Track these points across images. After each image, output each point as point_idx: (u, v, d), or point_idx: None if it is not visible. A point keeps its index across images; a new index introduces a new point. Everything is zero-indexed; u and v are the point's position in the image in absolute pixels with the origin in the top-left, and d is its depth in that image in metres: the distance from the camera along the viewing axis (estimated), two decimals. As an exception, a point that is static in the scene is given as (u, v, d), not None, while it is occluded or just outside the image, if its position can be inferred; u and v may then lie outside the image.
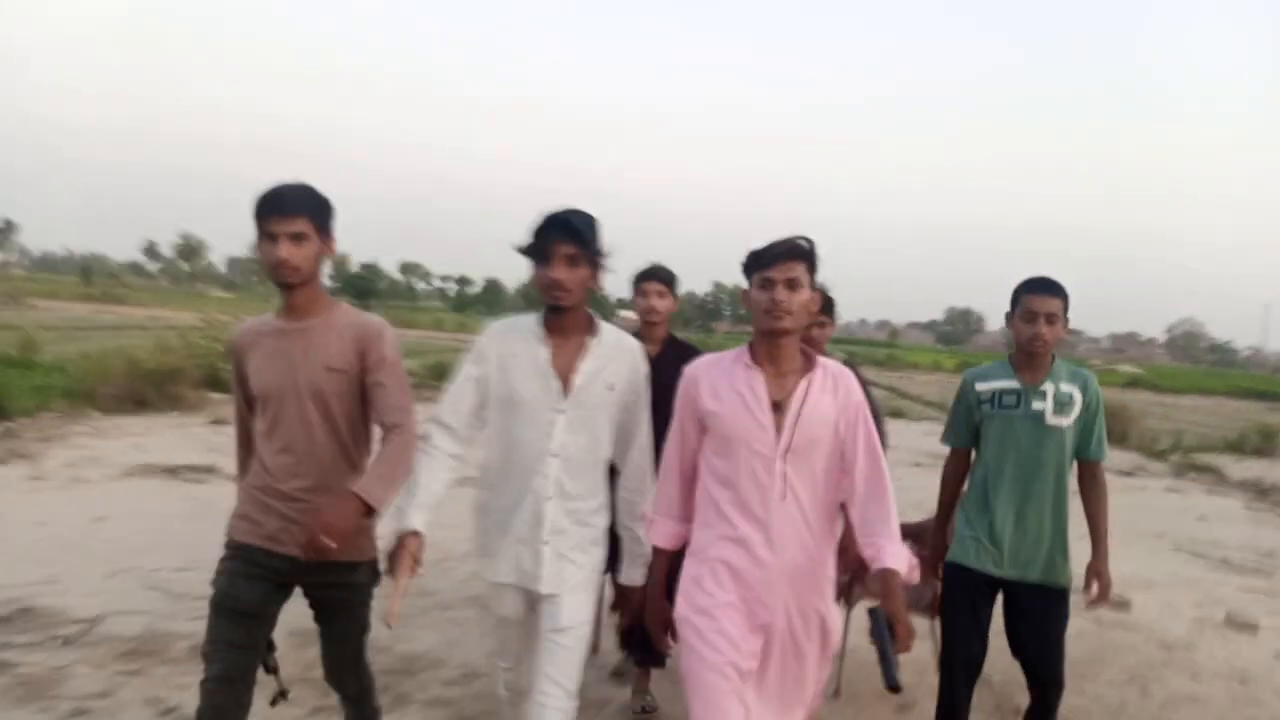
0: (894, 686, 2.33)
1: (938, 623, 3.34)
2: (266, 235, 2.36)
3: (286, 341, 2.44)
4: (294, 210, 2.36)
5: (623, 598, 2.70)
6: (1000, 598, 3.06)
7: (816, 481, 2.36)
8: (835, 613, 2.49)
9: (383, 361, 2.46)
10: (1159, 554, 7.58)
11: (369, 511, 2.25)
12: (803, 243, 2.34)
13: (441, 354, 19.16)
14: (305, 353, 2.42)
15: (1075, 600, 3.04)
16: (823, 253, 2.37)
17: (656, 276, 3.77)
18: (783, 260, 2.29)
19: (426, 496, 2.43)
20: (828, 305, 3.55)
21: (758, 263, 2.35)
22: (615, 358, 2.51)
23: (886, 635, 2.32)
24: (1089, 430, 3.04)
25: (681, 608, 2.39)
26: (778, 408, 2.33)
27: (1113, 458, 13.07)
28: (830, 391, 2.37)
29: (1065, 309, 3.02)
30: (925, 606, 3.70)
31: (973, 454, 3.18)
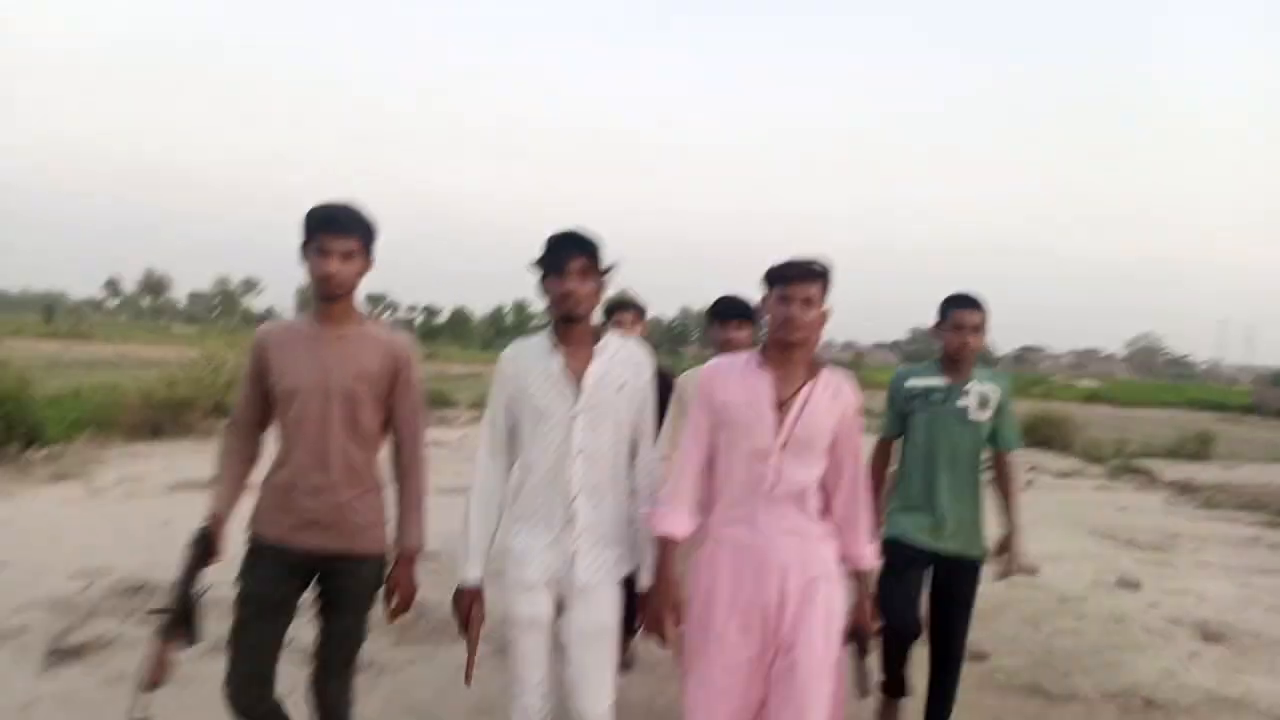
0: (866, 691, 2.59)
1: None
2: (318, 250, 2.49)
3: (321, 346, 2.55)
4: (347, 230, 2.50)
5: (642, 602, 2.61)
6: (929, 570, 3.44)
7: (807, 475, 2.56)
8: (838, 594, 2.59)
9: (410, 381, 2.65)
10: (1075, 536, 8.72)
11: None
12: (818, 266, 2.55)
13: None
14: (339, 359, 2.54)
15: (987, 571, 3.56)
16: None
17: (626, 307, 4.11)
18: (800, 280, 2.51)
19: (480, 544, 2.61)
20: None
21: (778, 278, 2.56)
22: (621, 360, 2.65)
23: (861, 637, 2.58)
24: (1003, 424, 3.46)
25: (687, 590, 2.60)
26: (782, 406, 2.54)
27: (1053, 462, 14.69)
28: (831, 396, 2.57)
29: (985, 320, 3.41)
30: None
31: (894, 444, 3.62)
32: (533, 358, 2.63)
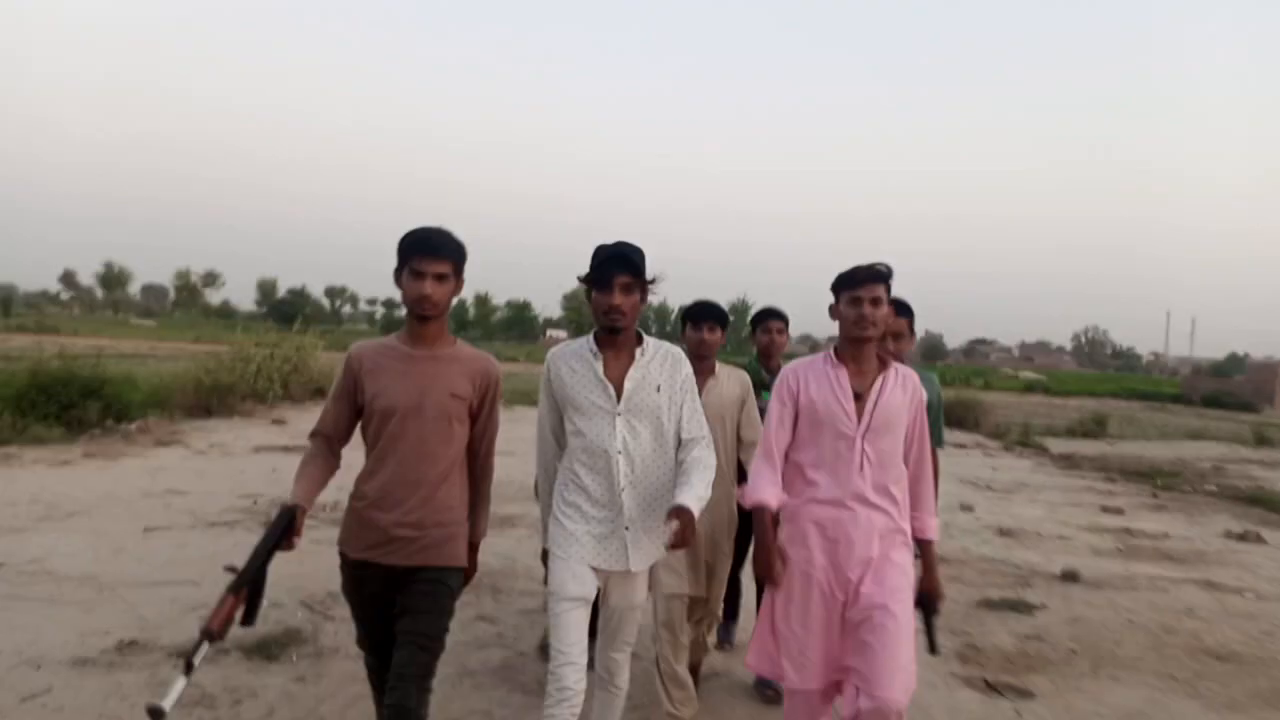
0: (936, 649, 2.72)
1: None
2: (414, 272, 2.57)
3: (416, 366, 2.65)
4: (442, 254, 2.58)
5: (673, 514, 2.59)
6: None
7: (889, 457, 2.77)
8: (908, 562, 2.81)
9: (495, 398, 2.80)
10: (944, 482, 11.38)
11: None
12: (883, 268, 2.76)
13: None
14: (434, 378, 2.64)
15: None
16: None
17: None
18: (869, 283, 2.73)
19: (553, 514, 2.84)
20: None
21: (847, 283, 2.77)
22: (658, 364, 2.79)
23: (928, 603, 2.76)
24: (930, 422, 3.52)
25: (786, 576, 2.81)
26: (859, 398, 2.76)
27: (958, 438, 17.52)
28: (901, 388, 2.81)
29: (909, 321, 3.65)
30: None
31: None
32: (577, 360, 2.80)
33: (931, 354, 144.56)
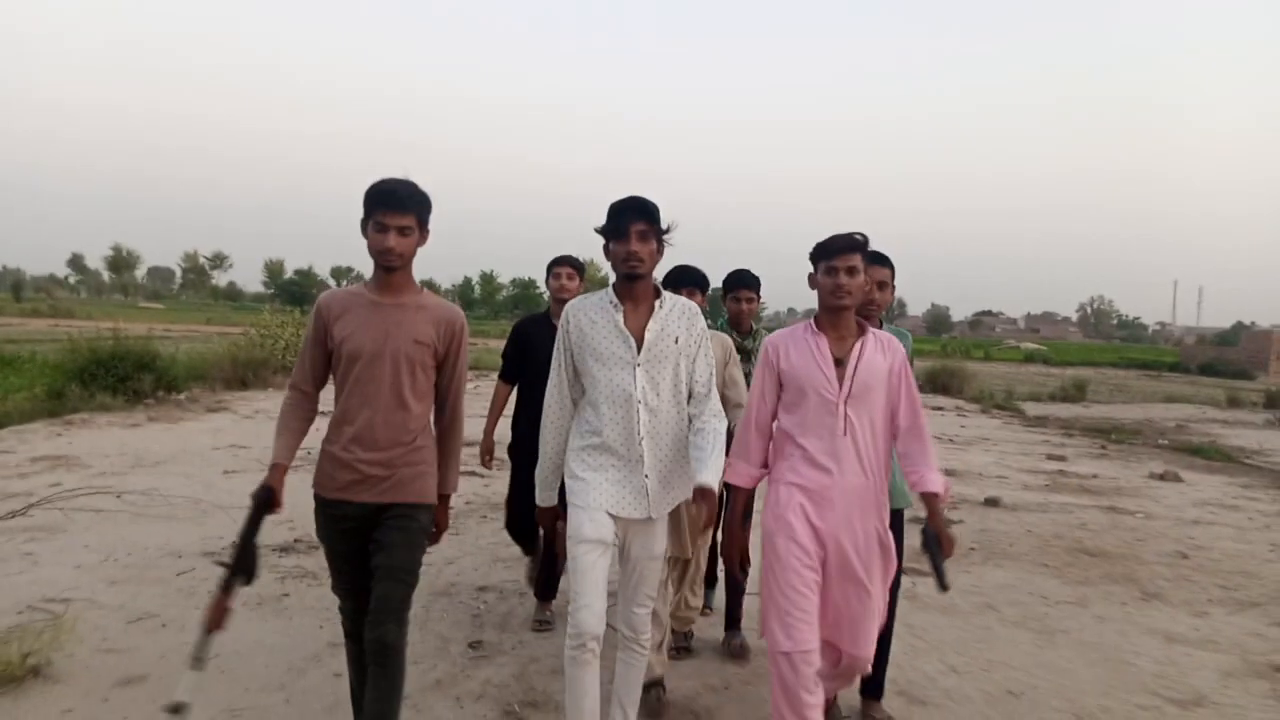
0: (945, 587, 2.76)
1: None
2: (378, 225, 2.66)
3: (382, 313, 2.74)
4: (405, 207, 2.66)
5: (698, 496, 2.69)
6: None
7: (872, 421, 2.85)
8: (889, 534, 2.89)
9: (461, 347, 2.86)
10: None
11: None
12: (859, 237, 2.84)
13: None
14: (399, 325, 2.73)
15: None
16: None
17: (568, 263, 4.48)
18: (845, 252, 2.81)
19: (553, 473, 2.94)
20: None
21: (824, 253, 2.84)
22: (676, 316, 2.86)
23: (936, 548, 2.78)
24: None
25: (768, 523, 2.88)
26: (839, 364, 2.84)
27: (939, 401, 18.90)
28: (881, 351, 2.89)
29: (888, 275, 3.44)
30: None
31: None
32: (597, 311, 2.83)
33: (937, 326, 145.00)
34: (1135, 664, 4.28)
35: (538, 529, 4.03)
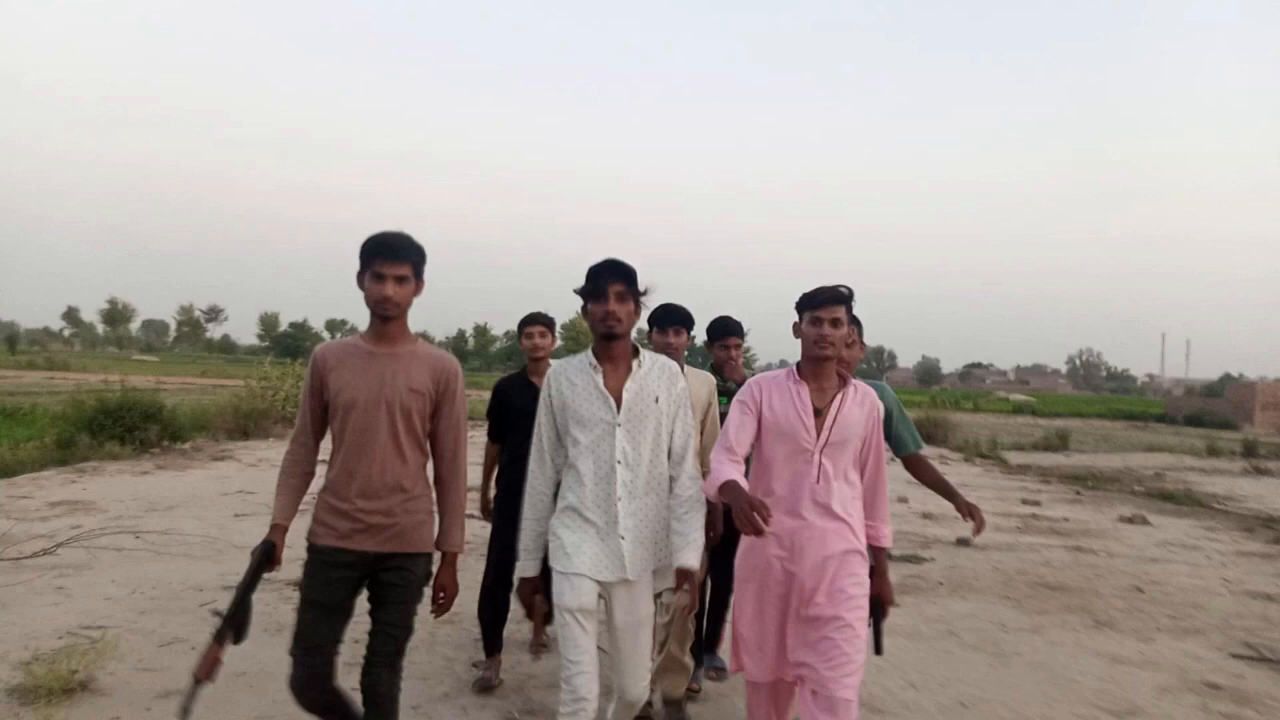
0: (879, 651, 2.93)
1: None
2: (375, 275, 2.71)
3: (377, 363, 2.78)
4: (401, 257, 2.72)
5: (680, 578, 2.75)
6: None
7: (845, 471, 2.93)
8: (863, 573, 2.93)
9: (455, 395, 2.88)
10: (891, 482, 13.19)
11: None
12: (844, 290, 2.93)
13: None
14: (395, 373, 2.77)
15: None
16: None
17: (539, 321, 4.48)
18: (830, 304, 2.89)
19: (535, 542, 2.91)
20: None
21: (810, 303, 2.93)
22: (655, 376, 2.89)
23: (877, 610, 2.91)
24: (898, 431, 3.80)
25: (740, 568, 3.03)
26: (818, 414, 2.91)
27: (923, 450, 18.79)
28: (859, 405, 2.97)
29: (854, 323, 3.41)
30: None
31: None
32: (576, 374, 2.87)
33: (927, 378, 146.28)
34: (1079, 681, 4.71)
35: (506, 610, 4.36)
